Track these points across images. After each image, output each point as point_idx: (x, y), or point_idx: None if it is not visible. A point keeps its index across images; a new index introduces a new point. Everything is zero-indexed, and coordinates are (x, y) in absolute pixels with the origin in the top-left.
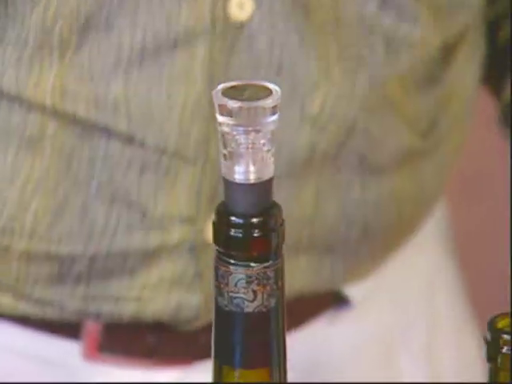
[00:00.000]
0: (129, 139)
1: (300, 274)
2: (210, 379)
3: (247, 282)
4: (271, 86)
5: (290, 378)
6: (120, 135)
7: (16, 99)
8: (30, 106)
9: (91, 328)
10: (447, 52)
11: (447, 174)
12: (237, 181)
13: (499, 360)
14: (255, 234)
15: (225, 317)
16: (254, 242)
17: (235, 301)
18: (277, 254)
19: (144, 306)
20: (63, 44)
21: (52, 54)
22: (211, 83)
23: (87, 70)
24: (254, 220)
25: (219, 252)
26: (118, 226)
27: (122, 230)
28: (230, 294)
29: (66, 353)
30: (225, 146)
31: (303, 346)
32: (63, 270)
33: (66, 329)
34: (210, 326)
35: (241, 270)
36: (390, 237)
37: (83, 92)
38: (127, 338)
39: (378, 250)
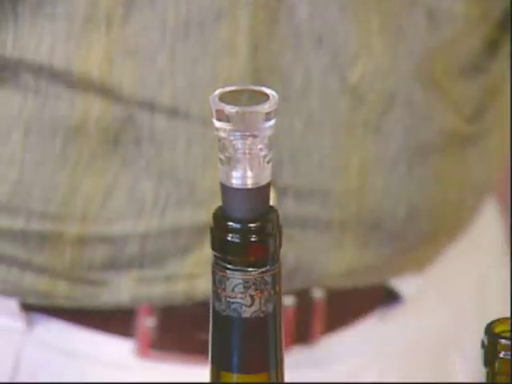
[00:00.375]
0: (173, 112)
1: (346, 252)
2: None
3: (245, 287)
4: (268, 91)
5: (339, 376)
6: (164, 109)
7: (63, 79)
8: (77, 84)
9: (144, 325)
10: (491, 43)
11: (494, 165)
12: (234, 186)
13: (497, 365)
14: (252, 239)
15: (222, 322)
16: (251, 247)
17: (233, 306)
18: (274, 259)
19: (195, 283)
20: (109, 18)
21: (99, 27)
22: (255, 54)
23: (133, 44)
24: (252, 225)
25: (216, 257)
26: (167, 202)
27: (172, 207)
28: (228, 299)
29: (119, 351)
30: (222, 151)
31: (354, 343)
32: (116, 251)
33: (119, 326)
34: None
35: (238, 275)
36: (435, 222)
37: (129, 66)
38: (179, 335)
39: (425, 237)
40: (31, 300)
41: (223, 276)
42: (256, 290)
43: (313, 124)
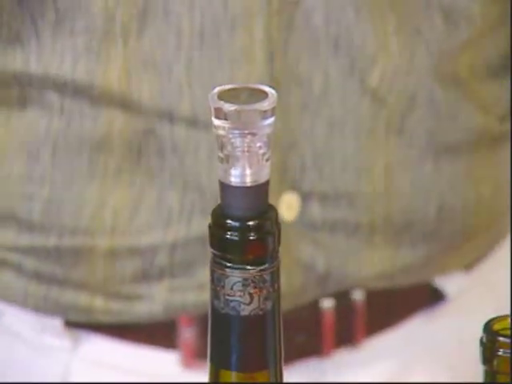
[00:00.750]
0: (193, 122)
1: (377, 254)
2: (310, 380)
3: (243, 285)
4: (267, 89)
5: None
6: (184, 119)
7: (86, 94)
8: (98, 99)
9: (185, 336)
10: None
11: None
12: (233, 184)
13: (495, 362)
14: (251, 237)
15: (221, 320)
16: (250, 245)
17: (231, 304)
18: (273, 257)
19: None
20: (125, 31)
21: (116, 41)
22: (271, 61)
23: (150, 56)
24: (250, 223)
25: (215, 255)
26: (192, 211)
27: (198, 215)
28: (227, 297)
29: (164, 363)
30: (221, 149)
31: (399, 343)
32: (146, 263)
33: (163, 339)
34: (303, 325)
35: (237, 273)
36: (470, 220)
37: (147, 78)
38: None
39: (461, 235)
40: (72, 317)
41: (222, 274)
42: (255, 287)
43: (334, 128)
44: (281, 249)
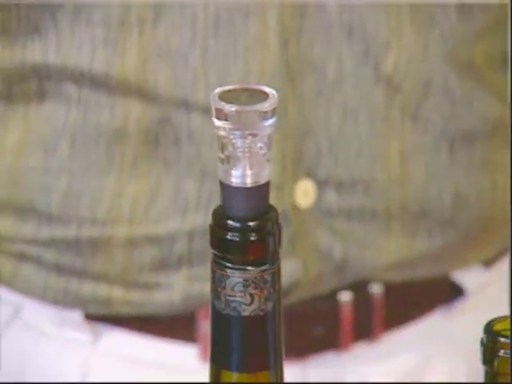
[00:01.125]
0: (208, 110)
1: (394, 241)
2: (328, 373)
3: (244, 286)
4: (268, 89)
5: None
6: (199, 107)
7: (103, 84)
8: (116, 89)
9: (204, 328)
10: None
11: None
12: (234, 184)
13: (496, 363)
14: (252, 238)
15: (222, 320)
16: (250, 246)
17: (232, 304)
18: (274, 258)
19: None
20: (141, 21)
21: (132, 30)
22: (285, 48)
23: (165, 45)
24: (251, 224)
25: (216, 255)
26: (210, 199)
27: (215, 203)
28: (227, 297)
29: (183, 356)
30: (222, 150)
31: (418, 337)
32: (164, 252)
33: (182, 332)
34: (321, 318)
35: (238, 273)
36: (486, 209)
37: (162, 67)
38: None
39: (475, 225)
40: (91, 309)
41: (223, 274)
42: (255, 288)
43: (349, 114)
44: (298, 236)
